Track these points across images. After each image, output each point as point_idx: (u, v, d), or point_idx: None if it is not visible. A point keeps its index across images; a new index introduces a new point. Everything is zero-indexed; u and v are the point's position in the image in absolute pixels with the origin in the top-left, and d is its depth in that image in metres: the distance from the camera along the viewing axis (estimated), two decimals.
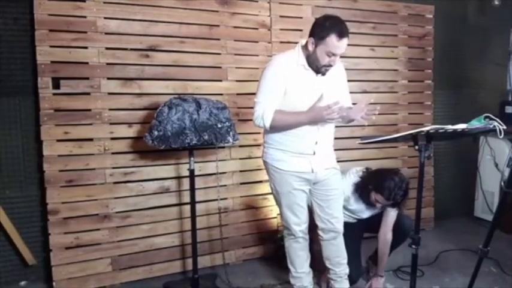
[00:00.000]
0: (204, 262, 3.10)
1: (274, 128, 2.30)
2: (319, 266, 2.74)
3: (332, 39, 2.12)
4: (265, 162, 2.47)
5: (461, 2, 4.11)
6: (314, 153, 2.33)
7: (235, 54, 3.17)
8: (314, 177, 2.39)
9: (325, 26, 2.14)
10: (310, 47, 2.21)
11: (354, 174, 2.80)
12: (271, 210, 3.37)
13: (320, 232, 2.54)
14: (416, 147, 1.89)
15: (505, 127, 1.90)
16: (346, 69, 2.56)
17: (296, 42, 3.27)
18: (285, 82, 2.25)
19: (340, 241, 2.55)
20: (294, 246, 2.55)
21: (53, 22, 2.68)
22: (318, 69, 2.24)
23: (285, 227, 2.56)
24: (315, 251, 2.69)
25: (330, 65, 2.22)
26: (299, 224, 2.48)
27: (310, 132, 2.29)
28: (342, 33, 2.12)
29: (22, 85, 2.74)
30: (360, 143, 2.11)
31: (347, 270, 2.61)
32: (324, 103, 2.15)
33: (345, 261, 2.59)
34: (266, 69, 2.32)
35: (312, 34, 2.20)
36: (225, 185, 3.20)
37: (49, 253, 2.76)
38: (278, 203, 2.52)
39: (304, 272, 2.59)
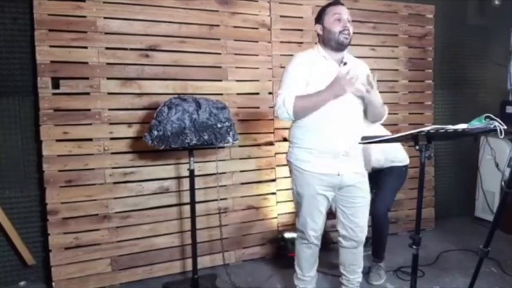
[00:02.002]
0: (204, 262, 3.09)
1: (298, 114, 2.21)
2: None
3: (331, 8, 2.27)
4: (289, 162, 2.39)
5: (461, 2, 4.11)
6: (341, 154, 2.23)
7: (235, 54, 3.17)
8: (340, 180, 2.28)
9: (322, 7, 2.33)
10: (320, 30, 2.28)
11: None
12: (271, 210, 3.37)
13: (340, 239, 2.46)
14: (417, 147, 1.87)
15: (505, 127, 1.89)
16: None
17: (296, 42, 3.33)
18: (306, 73, 2.23)
19: (360, 250, 2.49)
20: (305, 251, 2.48)
21: (52, 22, 2.68)
22: (336, 40, 2.21)
23: (298, 230, 2.46)
24: None
25: (346, 30, 2.21)
26: (315, 230, 2.39)
27: (336, 128, 2.20)
28: (336, 1, 2.29)
29: (21, 85, 2.74)
30: (360, 143, 2.09)
31: (360, 279, 2.56)
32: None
33: (360, 269, 2.54)
34: (288, 64, 2.33)
35: (315, 22, 2.32)
36: (225, 185, 3.19)
37: (48, 253, 2.76)
38: (297, 205, 2.43)
39: (310, 276, 2.53)
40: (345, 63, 2.27)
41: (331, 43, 2.24)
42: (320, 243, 2.48)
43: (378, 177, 2.93)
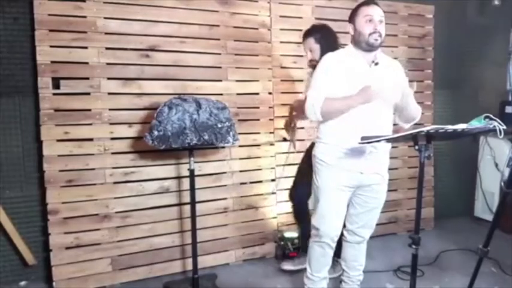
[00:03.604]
0: (204, 262, 3.09)
1: (325, 116, 2.24)
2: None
3: (362, 9, 2.21)
4: (313, 157, 2.39)
5: (461, 2, 4.11)
6: (366, 152, 2.22)
7: (235, 54, 3.17)
8: (360, 179, 2.27)
9: (355, 7, 2.28)
10: (352, 30, 2.25)
11: None
12: (271, 210, 3.37)
13: (346, 233, 2.45)
14: (416, 147, 1.88)
15: (505, 127, 1.89)
16: None
17: (296, 42, 3.34)
18: (334, 73, 2.23)
19: (363, 247, 2.49)
20: (316, 250, 2.43)
21: (53, 22, 2.68)
22: (367, 42, 2.18)
23: (313, 227, 2.40)
24: None
25: (376, 32, 2.16)
26: (330, 230, 2.34)
27: (361, 126, 2.14)
28: (369, 1, 2.22)
29: (22, 85, 2.74)
30: (360, 143, 2.09)
31: (361, 277, 2.55)
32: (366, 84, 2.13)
33: (362, 268, 2.54)
34: (319, 64, 2.33)
35: (348, 21, 2.28)
36: (225, 185, 3.20)
37: (49, 253, 2.76)
38: (315, 200, 2.40)
39: (319, 277, 2.47)
40: (376, 64, 2.24)
41: (362, 44, 2.21)
42: (335, 246, 2.42)
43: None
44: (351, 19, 2.26)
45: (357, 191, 2.34)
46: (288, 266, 3.06)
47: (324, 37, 2.72)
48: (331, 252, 2.43)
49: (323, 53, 2.61)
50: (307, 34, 2.77)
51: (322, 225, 2.35)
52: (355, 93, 2.17)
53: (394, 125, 2.37)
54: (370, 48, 2.21)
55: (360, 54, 2.24)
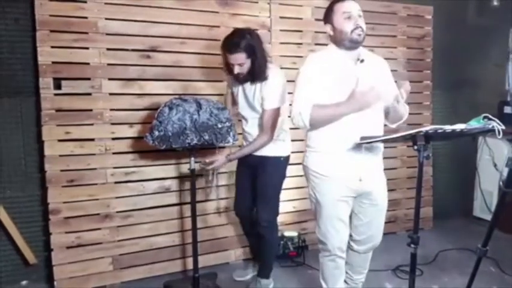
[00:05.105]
0: (204, 261, 3.10)
1: (315, 125, 2.11)
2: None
3: (338, 6, 2.11)
4: (305, 167, 2.25)
5: (461, 2, 4.13)
6: (362, 158, 2.12)
7: None
8: (360, 186, 2.15)
9: (329, 5, 2.17)
10: (330, 30, 2.14)
11: None
12: None
13: (353, 243, 2.35)
14: (415, 147, 1.88)
15: (503, 127, 1.89)
16: None
17: (296, 43, 3.35)
18: (320, 75, 2.11)
19: (370, 254, 2.42)
20: (328, 265, 2.31)
21: (54, 23, 2.69)
22: (350, 39, 2.07)
23: (319, 241, 2.29)
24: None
25: (358, 27, 2.06)
26: (339, 241, 2.23)
27: (354, 129, 2.07)
28: None
29: (23, 85, 2.75)
30: (359, 143, 2.09)
31: (363, 279, 2.52)
32: (362, 88, 2.01)
33: (366, 271, 2.49)
34: (301, 66, 2.19)
35: (324, 22, 2.18)
36: (226, 185, 3.21)
37: (50, 252, 2.77)
38: (317, 214, 2.26)
39: None
40: (361, 61, 2.13)
41: (344, 42, 2.10)
42: (345, 255, 2.32)
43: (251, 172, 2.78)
44: (327, 19, 2.14)
45: (359, 199, 2.23)
46: (238, 277, 2.99)
47: (256, 51, 2.50)
48: (343, 262, 2.33)
49: (253, 68, 2.52)
50: (238, 48, 2.47)
51: (328, 238, 2.23)
52: (346, 99, 2.04)
53: (384, 125, 2.30)
54: (354, 45, 2.11)
55: (343, 53, 2.14)
